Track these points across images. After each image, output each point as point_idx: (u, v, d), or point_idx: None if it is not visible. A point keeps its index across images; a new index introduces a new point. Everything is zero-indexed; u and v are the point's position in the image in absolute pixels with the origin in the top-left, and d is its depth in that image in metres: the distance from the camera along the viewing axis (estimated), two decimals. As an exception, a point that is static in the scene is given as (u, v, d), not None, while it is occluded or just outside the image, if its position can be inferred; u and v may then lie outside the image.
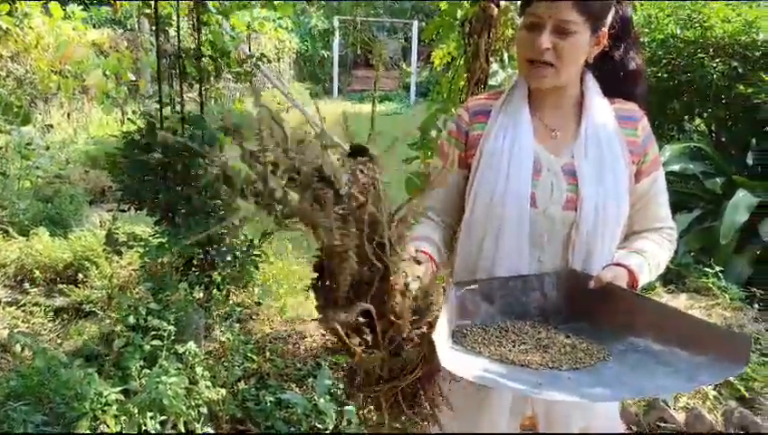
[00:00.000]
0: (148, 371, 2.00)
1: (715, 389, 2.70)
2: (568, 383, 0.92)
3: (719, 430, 2.44)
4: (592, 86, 1.23)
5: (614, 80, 1.25)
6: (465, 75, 2.67)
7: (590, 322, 1.11)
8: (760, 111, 3.87)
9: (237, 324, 2.67)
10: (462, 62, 2.68)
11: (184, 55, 2.77)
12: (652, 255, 1.22)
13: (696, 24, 4.05)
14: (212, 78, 3.09)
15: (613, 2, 1.17)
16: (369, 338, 0.80)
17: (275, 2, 3.36)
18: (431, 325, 0.89)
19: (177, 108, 2.85)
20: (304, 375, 2.71)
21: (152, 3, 2.76)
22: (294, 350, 2.92)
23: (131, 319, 2.10)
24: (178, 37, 2.75)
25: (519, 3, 1.21)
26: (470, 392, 1.23)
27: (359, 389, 0.90)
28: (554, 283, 1.16)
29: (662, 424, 2.47)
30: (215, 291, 2.88)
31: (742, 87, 3.82)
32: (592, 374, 0.95)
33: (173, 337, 2.12)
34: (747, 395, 2.63)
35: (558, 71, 1.15)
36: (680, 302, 3.20)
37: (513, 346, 1.04)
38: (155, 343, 2.07)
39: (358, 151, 0.79)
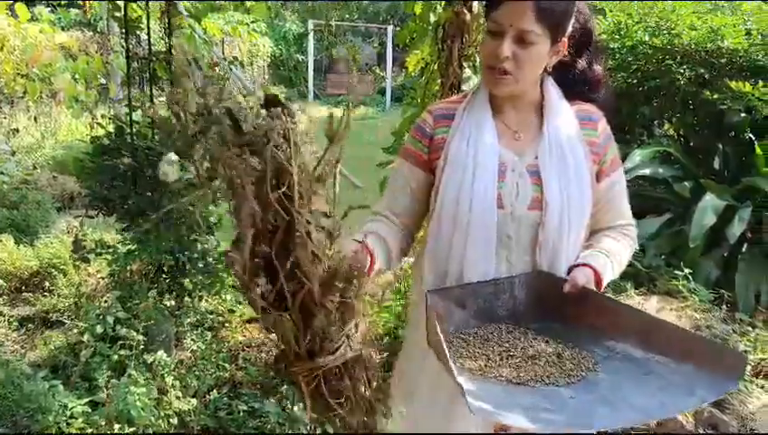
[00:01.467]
0: (117, 381, 1.95)
1: (685, 390, 2.74)
2: (576, 406, 0.92)
3: (690, 430, 2.47)
4: (553, 90, 1.26)
5: (575, 86, 1.27)
6: (440, 80, 2.67)
7: (562, 323, 1.12)
8: (726, 117, 3.95)
9: (209, 332, 2.62)
10: (436, 68, 2.69)
11: (155, 59, 2.72)
12: (616, 253, 1.26)
13: (665, 31, 4.13)
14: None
15: (574, 11, 1.19)
16: (269, 289, 0.76)
17: (248, 3, 3.33)
18: (348, 297, 0.83)
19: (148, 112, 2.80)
20: (278, 383, 2.67)
21: (122, 5, 2.71)
22: (268, 358, 2.88)
23: (99, 328, 2.05)
24: (149, 40, 2.71)
25: (484, 8, 1.23)
26: (436, 399, 1.23)
27: (278, 371, 0.86)
28: (524, 285, 1.17)
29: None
30: (186, 298, 2.83)
31: (708, 93, 3.90)
32: (589, 390, 0.96)
33: (142, 347, 2.07)
34: (716, 395, 2.68)
35: (516, 79, 1.17)
36: (651, 304, 3.25)
37: (502, 359, 1.03)
38: (123, 352, 2.02)
39: (273, 102, 0.77)
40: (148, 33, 2.71)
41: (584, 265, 1.19)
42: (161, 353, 2.09)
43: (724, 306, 3.28)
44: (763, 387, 2.81)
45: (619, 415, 0.91)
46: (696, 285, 3.33)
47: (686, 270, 3.36)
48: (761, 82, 3.78)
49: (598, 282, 1.18)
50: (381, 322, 2.95)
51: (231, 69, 2.96)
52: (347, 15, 15.48)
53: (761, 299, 3.38)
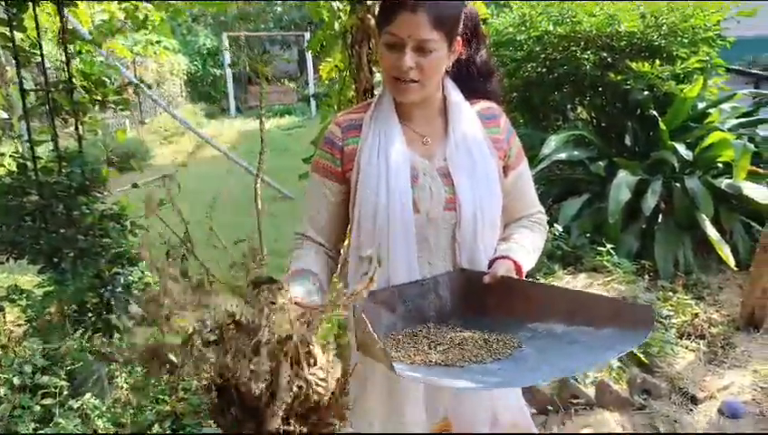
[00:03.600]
0: (43, 433, 1.84)
1: (618, 360, 2.87)
2: (501, 374, 0.96)
3: (625, 397, 2.59)
4: (453, 90, 1.29)
5: (471, 80, 1.32)
6: (354, 86, 2.68)
7: (489, 316, 1.16)
8: (630, 96, 4.17)
9: (139, 368, 2.52)
10: (348, 74, 2.69)
11: (53, 89, 2.59)
12: (530, 241, 1.31)
13: (567, 20, 4.31)
14: (93, 109, 2.91)
15: (464, 9, 1.23)
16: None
17: (150, 21, 3.22)
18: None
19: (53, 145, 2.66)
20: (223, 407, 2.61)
21: (8, 33, 2.56)
22: (209, 384, 2.80)
23: (16, 380, 1.93)
24: (43, 68, 2.58)
25: (376, 22, 1.24)
26: (384, 397, 1.24)
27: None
28: (448, 283, 1.19)
29: (575, 400, 2.59)
30: (116, 334, 2.71)
31: (612, 75, 4.10)
32: (517, 362, 1.00)
33: (66, 392, 1.96)
34: (646, 361, 2.82)
35: (422, 85, 1.20)
36: (579, 281, 3.38)
37: (430, 348, 1.06)
38: (47, 401, 1.91)
39: (261, 282, 0.84)
40: (43, 63, 2.58)
41: (504, 257, 1.23)
42: (88, 396, 2.00)
43: (646, 276, 3.45)
44: (687, 347, 2.98)
45: (545, 373, 0.97)
46: (619, 258, 3.50)
47: (609, 245, 3.52)
48: (657, 61, 4.02)
49: (518, 271, 1.21)
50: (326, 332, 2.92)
51: (138, 93, 2.85)
52: (262, 26, 15.29)
53: (679, 265, 3.58)
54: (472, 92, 1.32)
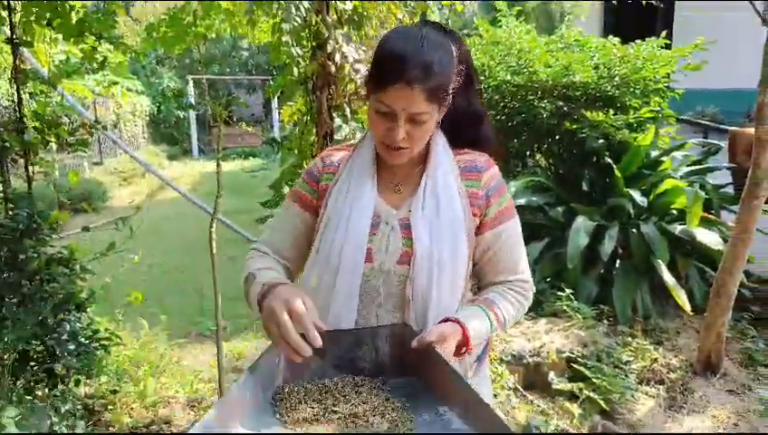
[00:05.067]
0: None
1: (580, 406, 2.86)
2: None
3: (587, 447, 2.56)
4: (439, 141, 1.24)
5: (457, 126, 1.25)
6: (315, 130, 2.69)
7: (421, 379, 1.09)
8: (586, 144, 4.29)
9: (81, 422, 2.38)
10: (309, 118, 2.70)
11: (2, 129, 2.51)
12: (497, 307, 1.21)
13: (524, 70, 4.44)
14: (45, 150, 2.83)
15: (457, 51, 1.16)
16: None
17: (109, 61, 3.19)
18: None
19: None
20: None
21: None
22: (158, 436, 2.67)
23: (-55, 437, 1.79)
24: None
25: (366, 81, 1.19)
26: None
27: None
28: (386, 337, 1.13)
29: (537, 450, 2.55)
30: (59, 385, 2.56)
31: (568, 123, 4.22)
32: None
33: (1, 450, 1.83)
34: (607, 408, 2.81)
35: (413, 150, 1.17)
36: (540, 326, 3.38)
37: (325, 414, 1.00)
38: (-23, 461, 1.77)
39: None
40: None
41: (452, 320, 1.13)
42: (24, 455, 1.86)
43: (605, 321, 3.48)
44: (647, 393, 2.99)
45: None
46: (579, 303, 3.52)
47: (568, 290, 3.54)
48: (611, 111, 4.17)
49: (464, 338, 1.12)
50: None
51: (92, 133, 2.79)
52: (227, 69, 15.38)
53: (637, 310, 3.63)
54: (460, 140, 1.27)
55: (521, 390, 3.02)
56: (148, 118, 14.15)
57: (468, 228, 1.20)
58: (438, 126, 1.22)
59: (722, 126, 6.48)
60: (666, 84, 4.37)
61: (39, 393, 2.51)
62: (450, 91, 1.16)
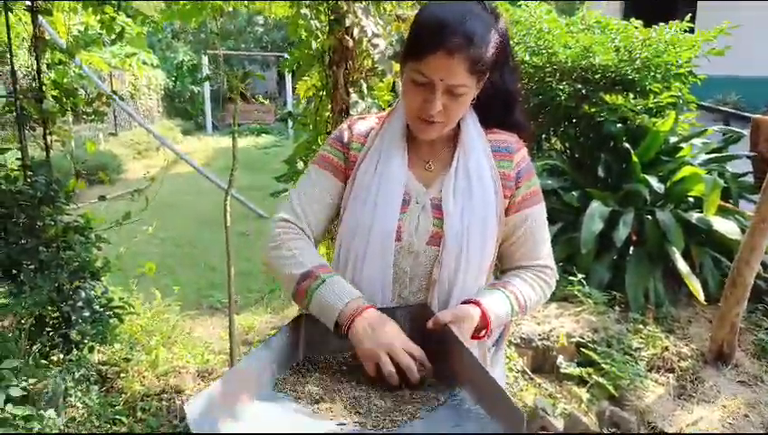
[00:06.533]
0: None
1: (588, 391, 2.86)
2: None
3: (594, 431, 2.56)
4: (470, 120, 1.21)
5: (490, 106, 1.21)
6: (330, 106, 2.67)
7: (436, 360, 1.08)
8: (604, 128, 4.23)
9: (95, 386, 2.43)
10: (325, 94, 2.68)
11: (21, 96, 2.52)
12: (519, 292, 1.19)
13: (543, 51, 4.38)
14: (62, 119, 2.84)
15: (496, 29, 1.12)
16: None
17: (127, 34, 3.18)
18: None
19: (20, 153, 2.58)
20: (181, 432, 2.52)
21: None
22: (170, 405, 2.71)
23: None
24: (12, 75, 2.51)
25: (402, 50, 1.15)
26: None
27: None
28: (407, 317, 1.12)
29: (543, 432, 2.55)
30: (74, 351, 2.61)
31: (586, 107, 4.17)
32: None
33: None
34: (616, 394, 2.80)
35: (445, 125, 1.14)
36: (551, 310, 3.38)
37: (335, 392, 1.00)
38: (-7, 421, 1.81)
39: None
40: (12, 70, 2.51)
41: (472, 302, 1.13)
42: (50, 413, 1.90)
43: (617, 307, 3.46)
44: (656, 381, 2.98)
45: None
46: (591, 288, 3.50)
47: (580, 275, 3.52)
48: (631, 95, 4.10)
49: (484, 320, 1.12)
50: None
51: (110, 104, 2.79)
52: (242, 45, 15.32)
53: (649, 297, 3.61)
54: (491, 121, 1.23)
55: (529, 373, 3.03)
56: (162, 92, 14.17)
57: (499, 211, 1.18)
58: (473, 103, 1.18)
59: (744, 113, 6.36)
60: (687, 69, 4.29)
61: (54, 359, 2.56)
62: (489, 66, 1.12)
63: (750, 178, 4.36)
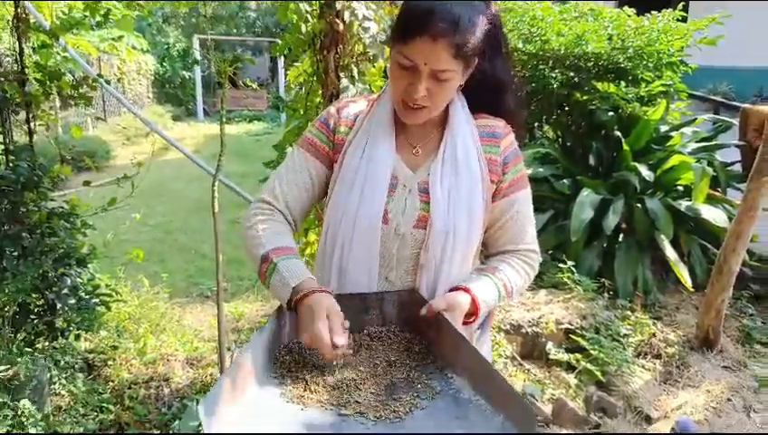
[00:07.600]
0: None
1: (576, 377, 2.87)
2: None
3: (582, 415, 2.58)
4: (458, 104, 1.21)
5: (478, 91, 1.21)
6: (320, 91, 2.64)
7: (424, 346, 1.08)
8: (596, 116, 4.22)
9: (81, 374, 2.41)
10: (315, 79, 2.65)
11: (3, 79, 2.47)
12: (506, 278, 1.20)
13: (536, 39, 4.36)
14: (46, 103, 2.80)
15: (485, 12, 1.10)
16: None
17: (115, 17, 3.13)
18: None
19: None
20: (169, 420, 2.51)
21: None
22: (158, 393, 2.70)
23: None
24: (-5, 59, 2.46)
25: (390, 33, 1.15)
26: None
27: None
28: (395, 302, 1.12)
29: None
30: (60, 339, 2.58)
31: (578, 95, 4.15)
32: (391, 428, 0.89)
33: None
34: (603, 379, 2.82)
35: (431, 110, 1.13)
36: (540, 297, 3.39)
37: (323, 375, 0.99)
38: (-24, 408, 1.79)
39: None
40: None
41: (461, 289, 1.14)
42: (24, 403, 1.88)
43: (605, 294, 3.48)
44: (643, 366, 3.00)
45: None
46: (580, 276, 3.52)
47: (570, 263, 3.53)
48: (623, 83, 4.09)
49: (474, 306, 1.13)
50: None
51: (95, 87, 2.74)
52: (234, 30, 15.15)
53: (638, 285, 3.62)
54: (480, 106, 1.22)
55: (518, 358, 3.04)
56: (152, 77, 14.01)
57: (486, 196, 1.18)
58: (460, 88, 1.17)
59: (733, 103, 6.37)
60: (679, 58, 4.28)
61: (39, 346, 2.53)
62: (477, 52, 1.10)
63: (738, 167, 4.38)
